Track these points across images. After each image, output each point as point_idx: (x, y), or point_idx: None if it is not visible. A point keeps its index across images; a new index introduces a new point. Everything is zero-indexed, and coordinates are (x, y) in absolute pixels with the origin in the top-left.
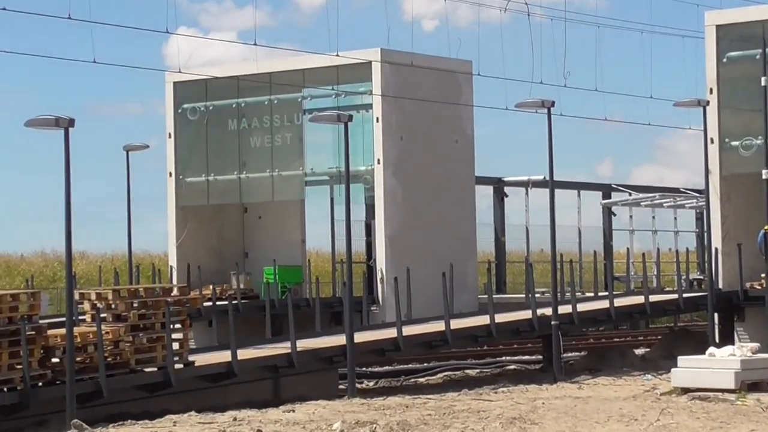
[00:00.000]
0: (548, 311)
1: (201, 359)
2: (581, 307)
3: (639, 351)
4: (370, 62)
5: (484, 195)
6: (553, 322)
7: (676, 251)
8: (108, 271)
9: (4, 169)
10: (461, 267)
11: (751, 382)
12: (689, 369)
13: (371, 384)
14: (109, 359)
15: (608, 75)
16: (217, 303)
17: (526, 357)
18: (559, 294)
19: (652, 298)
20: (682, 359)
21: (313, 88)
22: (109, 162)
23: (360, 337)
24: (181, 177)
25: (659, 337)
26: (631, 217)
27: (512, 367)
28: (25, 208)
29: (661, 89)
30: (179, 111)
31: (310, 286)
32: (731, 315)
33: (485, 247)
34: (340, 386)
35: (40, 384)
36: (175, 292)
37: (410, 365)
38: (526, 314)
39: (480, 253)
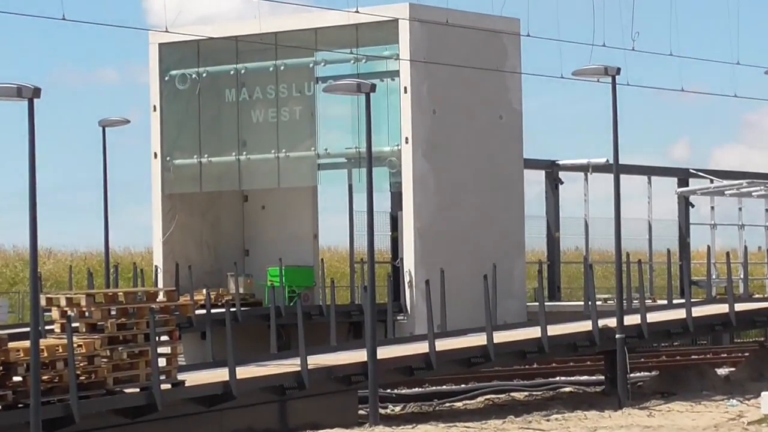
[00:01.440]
0: (612, 322)
1: (192, 378)
2: (652, 317)
3: (722, 371)
4: (396, 20)
5: (535, 181)
6: (617, 336)
7: (767, 250)
8: (80, 271)
9: None
10: (506, 268)
11: None
12: None
13: (397, 409)
14: (82, 378)
15: (685, 36)
16: (212, 311)
17: (585, 377)
18: (625, 301)
19: (738, 306)
20: None
21: (328, 52)
22: (82, 140)
23: (384, 352)
24: (168, 159)
25: (746, 354)
26: (712, 208)
27: (568, 389)
28: None
29: (749, 54)
30: (166, 79)
31: (323, 291)
32: None
33: (535, 244)
34: (360, 411)
35: None
36: (161, 297)
37: (445, 387)
38: (585, 326)
39: (529, 251)
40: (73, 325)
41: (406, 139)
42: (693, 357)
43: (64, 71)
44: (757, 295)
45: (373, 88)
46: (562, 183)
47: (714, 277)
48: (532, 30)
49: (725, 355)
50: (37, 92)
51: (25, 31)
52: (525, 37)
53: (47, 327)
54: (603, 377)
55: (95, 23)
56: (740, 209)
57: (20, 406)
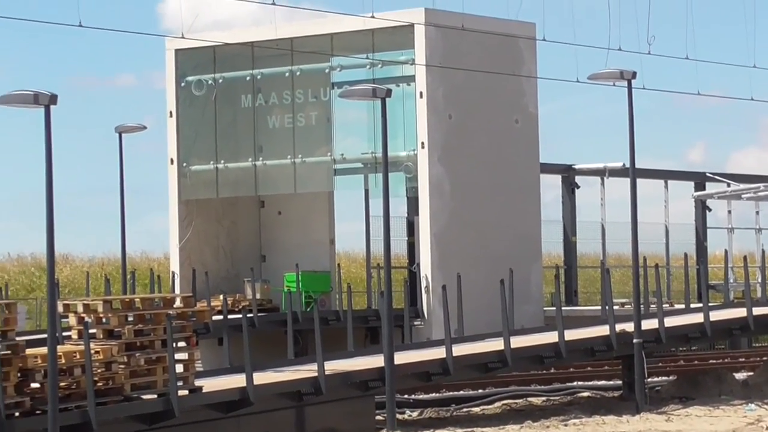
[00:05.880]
0: (629, 326)
1: (210, 384)
2: (669, 321)
3: (740, 375)
4: (412, 25)
5: (551, 186)
6: (635, 340)
7: None
8: (97, 278)
9: None
10: (523, 273)
11: None
12: None
13: (414, 414)
14: (100, 384)
15: (702, 40)
16: (229, 316)
17: (603, 382)
18: (642, 306)
19: (756, 310)
20: None
21: (344, 57)
22: (99, 147)
23: (401, 357)
24: (184, 165)
25: (765, 358)
26: (729, 212)
27: (585, 394)
28: None
29: (766, 57)
30: (182, 85)
31: (340, 296)
32: None
33: (552, 248)
34: (378, 417)
35: (17, 414)
36: (178, 303)
37: (462, 392)
38: (603, 330)
39: (545, 255)
40: (91, 331)
41: (422, 143)
42: (711, 361)
43: (81, 77)
44: None
45: (388, 93)
46: (578, 187)
47: (731, 281)
48: (547, 34)
49: (743, 359)
50: (53, 99)
51: (41, 38)
52: (541, 41)
53: (64, 333)
54: (621, 382)
55: (112, 29)
56: (757, 213)
57: (38, 412)
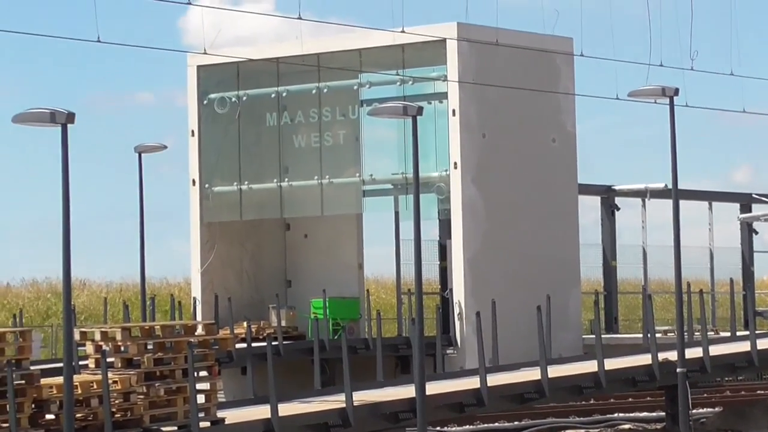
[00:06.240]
0: (672, 355)
1: (233, 416)
2: (715, 350)
3: None
4: (444, 40)
5: (590, 208)
6: (678, 370)
7: None
8: (115, 304)
9: None
10: (561, 299)
11: None
12: None
13: None
14: (118, 415)
15: (747, 55)
16: (253, 344)
17: (645, 414)
18: (686, 333)
19: None
20: None
21: (373, 74)
22: (117, 167)
23: (433, 388)
24: (207, 186)
25: None
26: None
27: (627, 426)
28: (12, 226)
29: None
30: (204, 102)
31: (369, 323)
32: None
33: (591, 273)
34: None
35: None
36: (199, 330)
37: (497, 424)
38: (644, 359)
39: (584, 281)
40: (108, 360)
41: (455, 164)
42: (759, 392)
43: (99, 95)
44: None
45: (420, 110)
46: (618, 209)
47: None
48: (585, 49)
49: None
50: (71, 117)
51: (59, 55)
52: (578, 56)
53: (81, 362)
54: (664, 413)
55: (131, 45)
56: None
57: None
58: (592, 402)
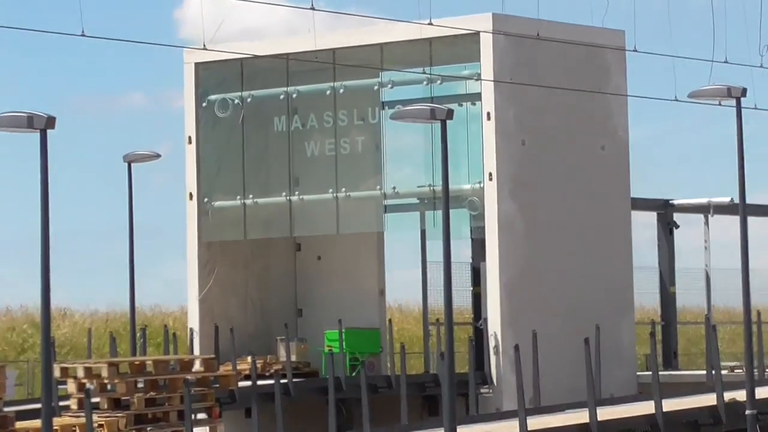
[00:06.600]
0: (741, 395)
1: None
2: None
3: None
4: (477, 33)
5: (645, 225)
6: (747, 412)
7: None
8: (101, 336)
9: None
10: (612, 330)
11: None
12: None
13: None
14: None
15: None
16: (259, 382)
17: None
18: (756, 370)
19: None
20: None
21: (396, 72)
22: (104, 178)
23: None
24: (206, 200)
25: None
26: None
27: None
28: None
29: None
30: (203, 105)
31: (392, 358)
32: None
33: (646, 300)
34: None
35: None
36: (197, 366)
37: None
38: (708, 399)
39: (639, 309)
40: (93, 400)
41: (490, 175)
42: None
43: (85, 97)
44: None
45: (450, 114)
46: (677, 227)
47: None
48: (639, 44)
49: None
50: (50, 122)
51: (39, 53)
52: (631, 52)
53: (62, 403)
54: None
55: (119, 39)
56: None
57: None
58: None
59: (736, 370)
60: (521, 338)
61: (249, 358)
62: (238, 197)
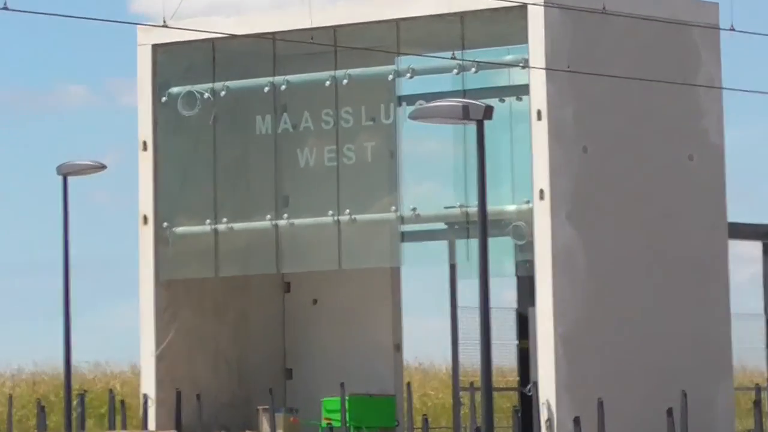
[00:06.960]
0: None
1: None
2: None
3: None
4: (525, 6)
5: (746, 259)
6: None
7: None
8: (27, 404)
9: None
10: (703, 397)
11: None
12: None
13: None
14: None
15: None
16: None
17: None
18: None
19: None
20: None
21: (417, 56)
22: (34, 195)
23: None
24: (165, 225)
25: None
26: None
27: None
28: None
29: None
30: (163, 100)
31: None
32: None
33: (748, 358)
34: None
35: None
36: None
37: None
38: None
39: (738, 369)
40: None
41: (541, 192)
42: None
43: (11, 91)
44: None
45: (488, 112)
46: None
47: None
48: (737, 22)
49: None
50: None
51: None
52: (727, 31)
53: None
54: None
55: (51, 14)
56: None
57: None
58: None
59: None
60: (583, 409)
61: None
62: (208, 221)
